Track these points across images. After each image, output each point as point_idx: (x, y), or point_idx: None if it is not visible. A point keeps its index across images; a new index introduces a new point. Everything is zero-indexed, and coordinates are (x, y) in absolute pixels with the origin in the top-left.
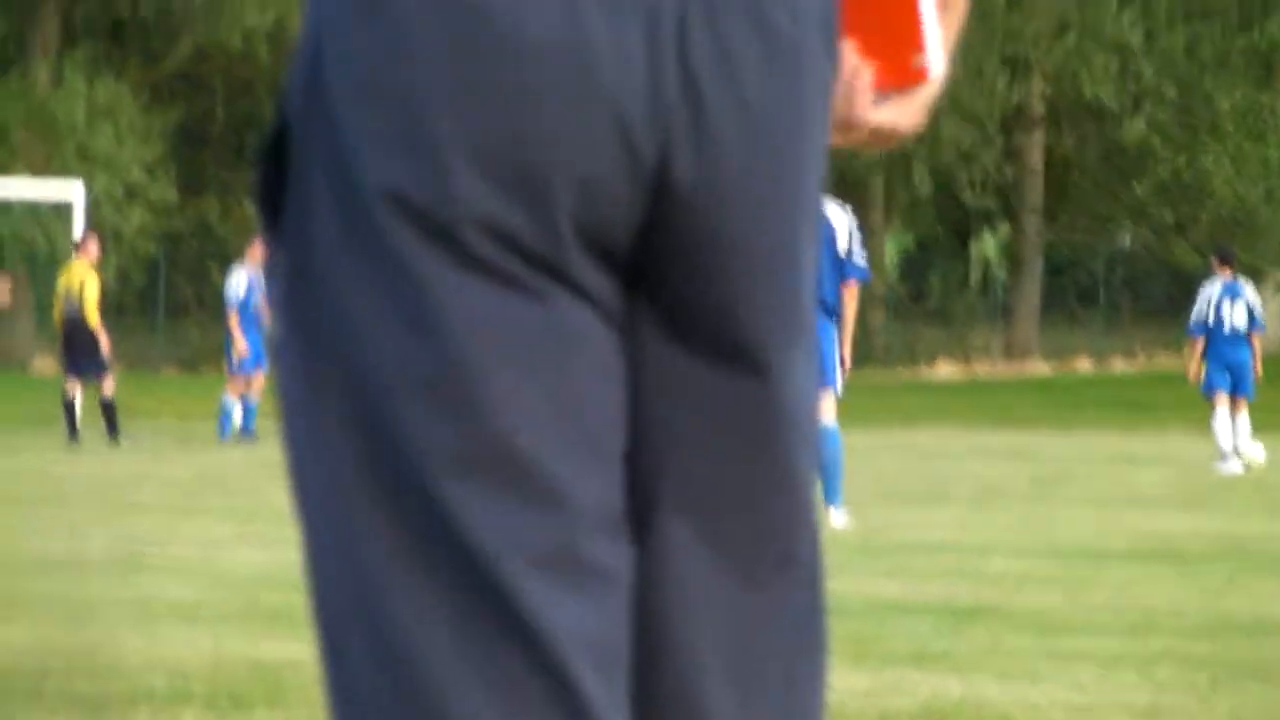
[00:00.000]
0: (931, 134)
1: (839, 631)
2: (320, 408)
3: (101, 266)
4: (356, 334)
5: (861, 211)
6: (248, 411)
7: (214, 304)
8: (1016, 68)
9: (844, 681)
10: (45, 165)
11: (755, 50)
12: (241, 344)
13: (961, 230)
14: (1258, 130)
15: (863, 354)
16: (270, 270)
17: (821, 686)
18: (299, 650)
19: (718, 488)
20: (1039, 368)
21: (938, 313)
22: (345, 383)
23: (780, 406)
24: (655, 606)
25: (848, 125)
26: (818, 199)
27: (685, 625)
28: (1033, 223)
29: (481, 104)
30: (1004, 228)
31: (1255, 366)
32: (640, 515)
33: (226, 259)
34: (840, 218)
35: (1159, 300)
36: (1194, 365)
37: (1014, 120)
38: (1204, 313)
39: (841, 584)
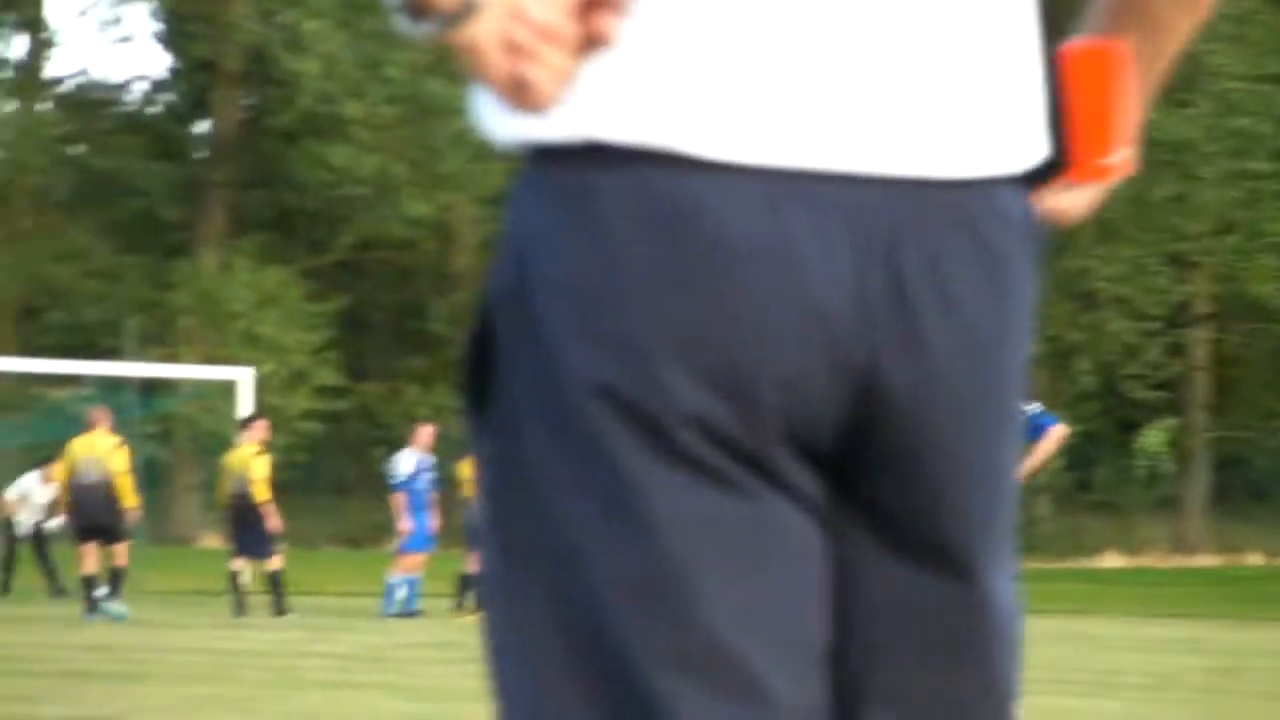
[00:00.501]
0: (1095, 328)
1: None
2: (524, 597)
3: (269, 447)
4: (564, 528)
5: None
6: (410, 589)
7: (376, 484)
8: (1182, 266)
9: None
10: (213, 351)
11: (966, 259)
12: (405, 524)
13: (1127, 424)
14: None
15: (1028, 543)
16: (477, 457)
17: None
18: None
19: (923, 691)
20: (1208, 561)
21: (1104, 505)
22: (550, 575)
23: (987, 614)
24: None
25: None
26: (1020, 410)
27: None
28: (1199, 418)
29: (688, 303)
30: (1170, 422)
31: None
32: (847, 714)
33: (389, 443)
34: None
35: None
36: None
37: (1179, 316)
38: None
39: None
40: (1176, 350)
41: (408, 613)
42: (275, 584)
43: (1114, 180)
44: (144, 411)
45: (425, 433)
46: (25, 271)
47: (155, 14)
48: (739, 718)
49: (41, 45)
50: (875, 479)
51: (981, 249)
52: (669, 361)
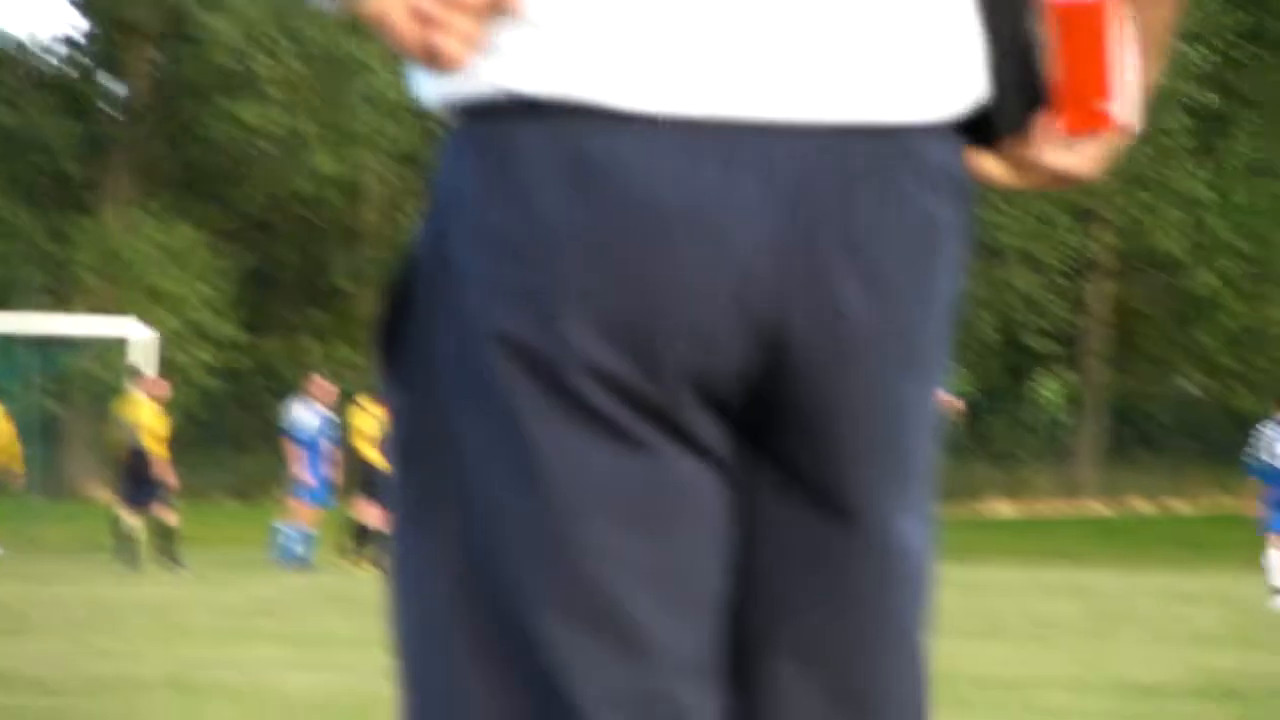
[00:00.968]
0: (1001, 282)
1: None
2: (428, 543)
3: (168, 403)
4: (465, 476)
5: None
6: (306, 541)
7: (274, 439)
8: (1087, 220)
9: None
10: (113, 308)
11: (883, 213)
12: (300, 471)
13: (1025, 376)
14: None
15: None
16: (389, 410)
17: None
18: None
19: (827, 641)
20: (1097, 508)
21: (999, 454)
22: (452, 522)
23: (890, 564)
24: None
25: (1031, 167)
26: (941, 366)
27: None
28: (1097, 369)
29: (598, 256)
30: (1068, 374)
31: None
32: (749, 665)
33: (288, 397)
34: None
35: (1220, 444)
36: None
37: (1082, 270)
38: (1262, 453)
39: None
40: (1078, 303)
41: (300, 563)
42: (167, 537)
43: (1117, 135)
44: (42, 368)
45: (321, 385)
46: None
47: None
48: (618, 663)
49: None
50: (782, 433)
51: (901, 202)
52: (571, 312)
